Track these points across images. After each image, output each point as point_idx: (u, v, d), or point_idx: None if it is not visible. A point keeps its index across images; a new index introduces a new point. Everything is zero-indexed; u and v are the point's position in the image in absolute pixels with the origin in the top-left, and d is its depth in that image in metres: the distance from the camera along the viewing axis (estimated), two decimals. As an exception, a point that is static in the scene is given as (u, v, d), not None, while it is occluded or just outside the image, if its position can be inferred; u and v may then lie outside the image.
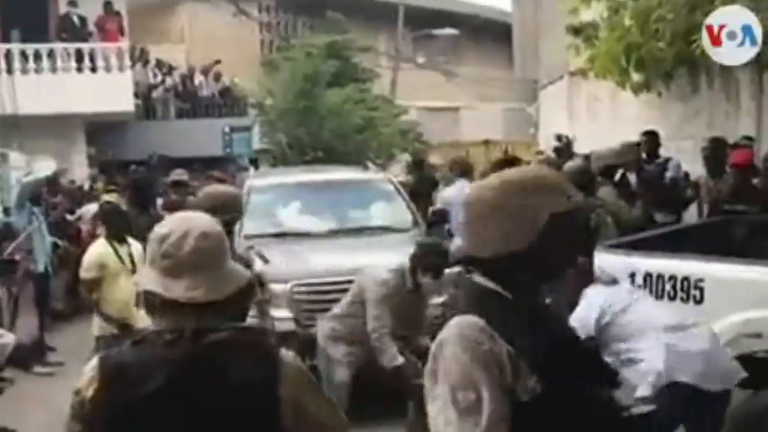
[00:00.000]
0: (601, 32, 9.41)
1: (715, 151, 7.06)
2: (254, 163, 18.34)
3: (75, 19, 16.33)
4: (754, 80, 8.50)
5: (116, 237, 5.92)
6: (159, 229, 1.97)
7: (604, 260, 4.86)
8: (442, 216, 8.07)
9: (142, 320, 4.57)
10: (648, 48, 8.35)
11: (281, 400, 1.90)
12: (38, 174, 9.15)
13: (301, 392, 1.96)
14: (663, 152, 8.13)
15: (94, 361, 1.93)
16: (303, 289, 6.31)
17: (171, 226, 1.96)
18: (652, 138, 8.31)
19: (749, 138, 7.61)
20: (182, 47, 22.55)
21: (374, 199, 8.09)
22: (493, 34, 25.58)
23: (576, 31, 10.08)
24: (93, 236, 7.77)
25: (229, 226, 4.45)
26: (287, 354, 1.99)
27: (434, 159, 18.91)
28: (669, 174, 7.88)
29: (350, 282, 6.07)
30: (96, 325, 5.78)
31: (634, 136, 9.09)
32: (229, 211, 4.18)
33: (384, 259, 6.62)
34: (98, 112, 16.10)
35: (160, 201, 9.28)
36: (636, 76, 9.18)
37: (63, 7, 16.43)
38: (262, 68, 21.47)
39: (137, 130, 18.37)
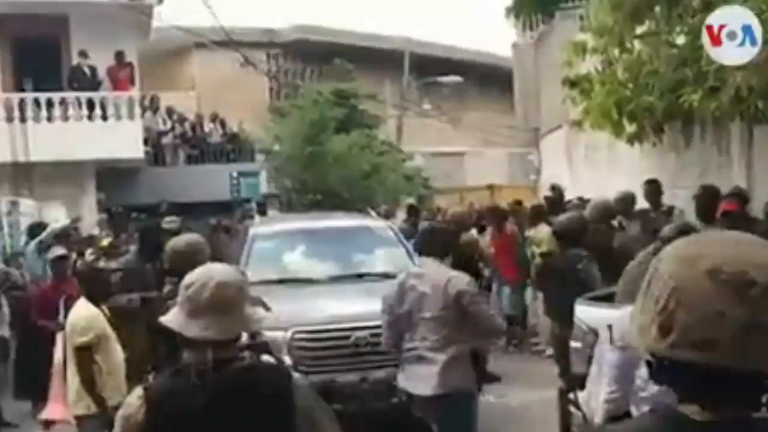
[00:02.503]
0: (594, 85, 9.61)
1: (707, 199, 7.19)
2: (262, 207, 18.62)
3: (86, 69, 16.74)
4: (745, 134, 8.68)
5: (93, 301, 5.23)
6: (187, 278, 2.37)
7: (583, 312, 5.00)
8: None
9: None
10: (639, 101, 8.55)
11: (296, 410, 2.27)
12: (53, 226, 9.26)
13: (310, 406, 2.33)
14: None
15: (139, 391, 2.30)
16: (304, 336, 6.37)
17: (196, 275, 2.36)
18: (654, 187, 8.47)
19: (739, 190, 7.75)
20: (192, 94, 23.01)
21: (375, 246, 8.22)
22: (497, 81, 25.94)
23: (571, 83, 10.26)
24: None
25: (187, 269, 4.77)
26: (297, 375, 2.43)
27: (440, 203, 19.18)
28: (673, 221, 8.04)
29: (352, 329, 6.27)
30: (80, 402, 5.06)
31: (631, 185, 9.29)
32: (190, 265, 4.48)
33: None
34: (108, 159, 16.41)
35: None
36: (629, 128, 9.38)
37: (75, 58, 16.85)
38: (269, 114, 21.86)
39: (147, 176, 18.68)
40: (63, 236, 9.75)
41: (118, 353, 5.13)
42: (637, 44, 9.04)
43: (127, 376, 6.19)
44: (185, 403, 2.22)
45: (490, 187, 21.05)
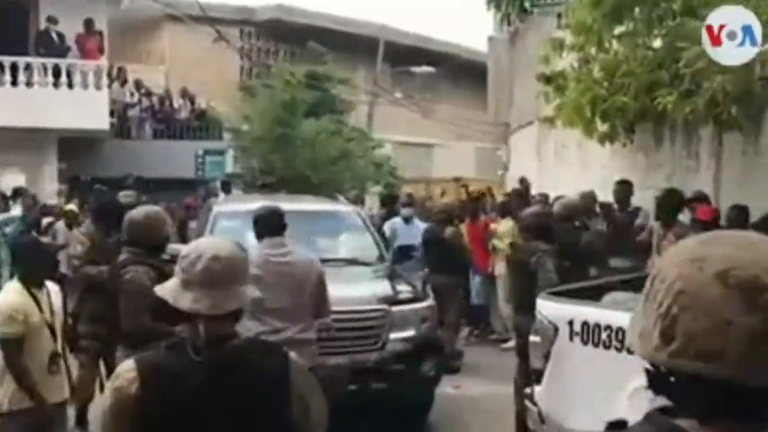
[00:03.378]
0: (569, 82, 9.62)
1: (668, 201, 7.26)
2: (226, 187, 18.38)
3: (53, 35, 16.36)
4: (715, 139, 8.76)
5: (33, 280, 4.51)
6: (185, 248, 2.36)
7: (545, 307, 4.98)
8: (408, 252, 8.14)
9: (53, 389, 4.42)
10: (613, 101, 8.58)
11: (292, 390, 2.25)
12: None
13: (305, 386, 2.32)
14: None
15: (131, 363, 2.22)
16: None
17: (193, 247, 2.34)
18: (624, 187, 8.59)
19: (703, 195, 7.82)
20: (162, 68, 22.61)
21: (342, 231, 8.12)
22: (470, 75, 25.95)
23: (546, 79, 10.27)
24: None
25: (158, 251, 4.62)
26: (294, 355, 2.36)
27: (406, 193, 19.12)
28: (638, 221, 8.11)
29: None
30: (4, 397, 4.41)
31: (600, 184, 9.35)
32: (148, 237, 4.54)
33: (346, 293, 6.61)
34: (72, 129, 16.08)
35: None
36: (601, 127, 9.41)
37: (43, 23, 16.45)
38: (239, 93, 21.58)
39: (111, 149, 18.36)
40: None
41: (45, 346, 4.49)
42: (615, 44, 9.06)
43: (101, 350, 6.05)
44: (182, 379, 2.16)
45: (457, 180, 21.02)
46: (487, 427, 6.72)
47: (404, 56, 24.40)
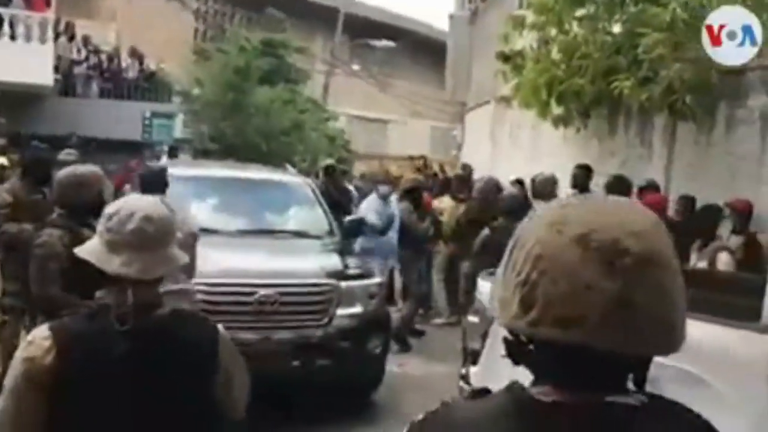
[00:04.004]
0: (528, 62, 9.48)
1: (617, 188, 7.20)
2: (173, 152, 17.87)
3: (-3, -18, 15.67)
4: (668, 127, 8.70)
5: None
6: (110, 206, 2.16)
7: (484, 287, 4.83)
8: (359, 226, 7.95)
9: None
10: (569, 83, 8.45)
11: (219, 363, 2.12)
12: None
13: (231, 360, 2.19)
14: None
15: (45, 331, 2.02)
16: (204, 288, 5.86)
17: (121, 205, 2.13)
18: (583, 172, 8.49)
19: (653, 184, 7.77)
20: (113, 26, 21.90)
21: (291, 203, 7.82)
22: (429, 53, 25.77)
23: (505, 58, 10.13)
24: None
25: (87, 214, 4.15)
26: (221, 327, 2.21)
27: (359, 168, 18.92)
28: None
29: (254, 286, 5.91)
30: None
31: (553, 168, 9.24)
32: (78, 196, 4.19)
33: (293, 265, 6.51)
34: (13, 82, 15.42)
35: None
36: (556, 110, 9.30)
37: (-14, -31, 15.74)
38: (192, 56, 21.02)
39: (54, 106, 17.71)
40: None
41: None
42: (576, 26, 8.94)
43: (26, 310, 5.70)
44: (103, 348, 2.00)
45: (411, 158, 20.86)
46: (430, 407, 6.56)
47: (364, 29, 24.09)
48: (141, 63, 19.95)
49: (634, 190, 7.60)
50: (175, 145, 18.41)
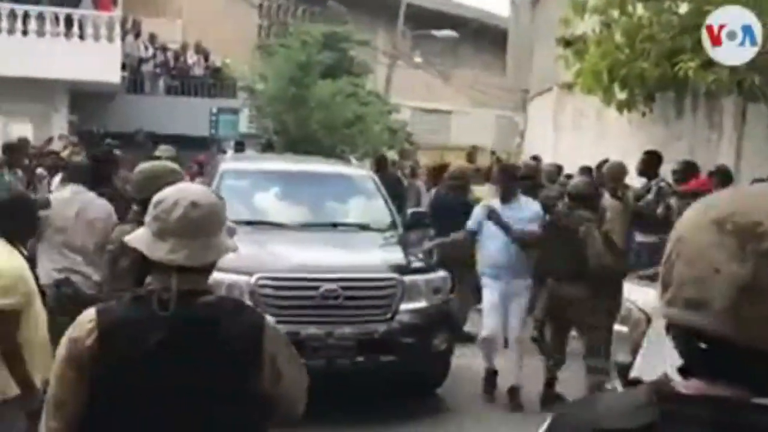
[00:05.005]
0: (590, 46, 9.25)
1: (686, 174, 6.96)
2: (240, 146, 18.11)
3: (66, -17, 16.13)
4: (739, 109, 8.38)
5: (21, 239, 3.91)
6: (158, 195, 2.14)
7: (635, 292, 4.62)
8: (421, 218, 7.82)
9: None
10: (632, 67, 8.20)
11: (263, 355, 2.06)
12: None
13: (279, 354, 2.12)
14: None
15: (91, 313, 2.05)
16: (269, 283, 5.90)
17: (168, 193, 2.12)
18: (650, 158, 8.16)
19: (723, 168, 7.47)
20: (179, 23, 22.27)
21: (353, 195, 7.75)
22: (491, 40, 25.47)
23: (566, 43, 9.91)
24: None
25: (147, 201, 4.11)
26: (270, 318, 2.19)
27: (422, 160, 18.82)
28: (649, 196, 7.77)
29: (318, 280, 5.86)
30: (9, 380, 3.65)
31: (617, 155, 9.00)
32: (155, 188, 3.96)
33: (356, 259, 6.45)
34: (83, 81, 15.88)
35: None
36: (620, 94, 9.05)
37: (56, -28, 16.21)
38: (256, 52, 21.25)
39: (123, 103, 18.14)
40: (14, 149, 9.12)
41: (41, 316, 3.84)
42: (639, 8, 8.68)
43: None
44: (142, 333, 2.01)
45: (474, 149, 20.65)
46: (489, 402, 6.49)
47: (425, 19, 23.92)
48: (206, 59, 20.27)
49: (702, 175, 7.35)
50: (241, 140, 18.67)
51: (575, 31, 9.80)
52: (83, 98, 16.88)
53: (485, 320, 6.20)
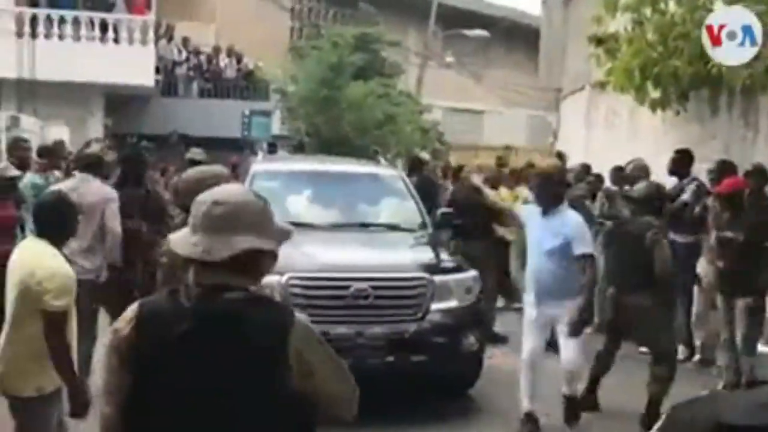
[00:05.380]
0: (622, 45, 9.15)
1: (722, 174, 6.83)
2: (272, 147, 18.22)
3: (100, -12, 16.35)
4: (775, 107, 8.22)
5: (62, 241, 3.95)
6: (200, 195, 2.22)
7: None
8: (450, 218, 7.73)
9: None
10: (665, 65, 8.09)
11: (289, 352, 2.06)
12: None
13: (310, 351, 2.11)
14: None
15: (135, 305, 2.16)
16: (300, 282, 5.85)
17: (206, 192, 2.19)
18: (681, 157, 7.99)
19: (760, 167, 7.29)
20: (212, 26, 22.47)
21: (383, 196, 7.70)
22: (523, 39, 25.30)
23: (598, 41, 9.83)
24: None
25: None
26: (301, 316, 2.18)
27: (453, 160, 18.77)
28: (684, 197, 7.64)
29: (349, 280, 5.81)
30: (46, 376, 3.75)
31: (651, 154, 8.87)
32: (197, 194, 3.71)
33: (387, 259, 6.40)
34: (117, 84, 16.09)
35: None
36: (653, 93, 8.93)
37: (91, -23, 16.45)
38: (288, 54, 21.37)
39: (157, 106, 18.36)
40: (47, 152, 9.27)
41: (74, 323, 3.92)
42: (672, 5, 8.56)
43: None
44: (170, 325, 2.08)
45: (507, 149, 20.53)
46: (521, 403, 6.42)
47: (456, 19, 23.86)
48: (239, 62, 20.43)
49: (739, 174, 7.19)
50: (274, 141, 18.78)
51: (607, 30, 9.71)
52: (118, 101, 17.10)
53: (523, 342, 5.70)
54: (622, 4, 9.04)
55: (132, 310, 2.16)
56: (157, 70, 17.83)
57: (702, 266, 7.28)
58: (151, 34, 16.74)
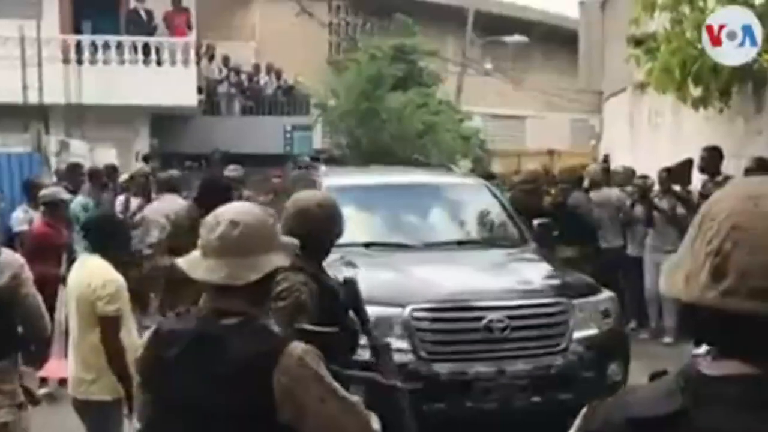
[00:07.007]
0: (661, 44, 9.04)
1: (758, 173, 6.69)
2: (315, 161, 18.34)
3: (142, 13, 16.69)
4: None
5: (112, 256, 4.20)
6: (208, 216, 2.18)
7: None
8: (549, 230, 7.02)
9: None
10: (704, 60, 7.96)
11: (273, 387, 1.95)
12: None
13: (295, 385, 1.97)
14: (723, 171, 7.78)
15: (155, 325, 2.26)
16: (426, 315, 5.15)
17: (217, 212, 2.14)
18: (711, 154, 7.92)
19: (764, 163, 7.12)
20: (252, 44, 22.78)
21: (471, 207, 6.90)
22: (561, 43, 25.09)
23: (637, 41, 9.73)
24: None
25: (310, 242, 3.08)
26: (297, 345, 2.02)
27: (496, 167, 18.69)
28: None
29: (485, 309, 5.14)
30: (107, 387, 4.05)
31: (695, 153, 8.73)
32: (303, 228, 3.17)
33: (519, 283, 5.60)
34: (161, 105, 16.40)
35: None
36: (694, 91, 8.79)
37: (132, 2, 16.82)
38: (327, 68, 21.53)
39: (200, 125, 18.64)
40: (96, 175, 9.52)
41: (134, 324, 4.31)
42: (711, 2, 8.43)
43: None
44: (169, 346, 2.11)
45: (551, 153, 20.37)
46: None
47: (494, 25, 23.79)
48: (279, 78, 20.67)
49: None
50: (317, 156, 18.93)
51: (646, 30, 9.61)
52: (162, 122, 17.42)
53: None
54: (660, 3, 8.93)
55: (150, 330, 2.25)
56: (200, 90, 18.12)
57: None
58: (192, 55, 17.04)
